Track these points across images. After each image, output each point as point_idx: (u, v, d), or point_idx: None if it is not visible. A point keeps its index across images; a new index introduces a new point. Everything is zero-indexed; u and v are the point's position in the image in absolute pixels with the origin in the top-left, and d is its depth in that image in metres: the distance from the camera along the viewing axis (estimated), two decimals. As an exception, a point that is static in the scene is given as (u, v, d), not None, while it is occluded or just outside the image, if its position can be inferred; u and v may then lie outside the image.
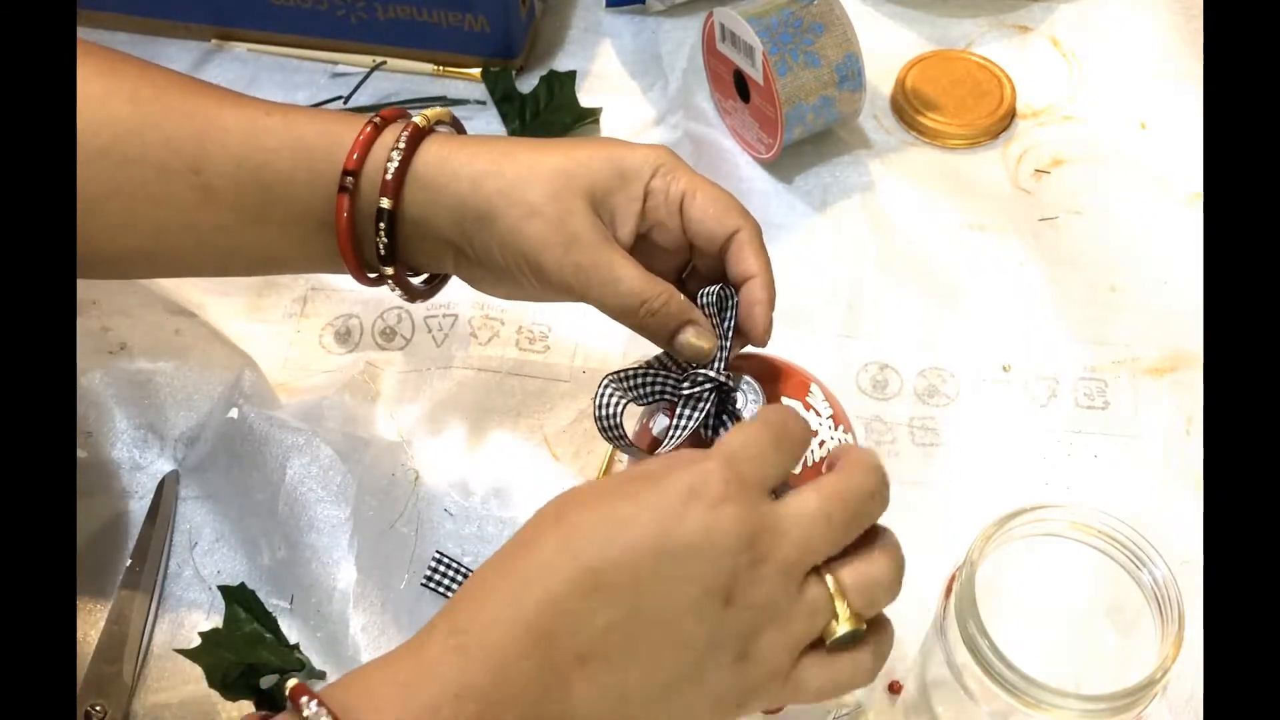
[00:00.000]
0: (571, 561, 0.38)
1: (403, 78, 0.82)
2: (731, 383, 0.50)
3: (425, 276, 0.56)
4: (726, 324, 0.50)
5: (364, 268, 0.52)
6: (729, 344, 0.49)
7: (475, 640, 0.38)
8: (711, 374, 0.49)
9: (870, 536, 0.42)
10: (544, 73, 0.80)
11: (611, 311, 0.49)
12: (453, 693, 0.38)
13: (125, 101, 0.50)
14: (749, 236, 0.49)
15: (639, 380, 0.49)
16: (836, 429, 0.52)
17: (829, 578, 0.40)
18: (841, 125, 0.77)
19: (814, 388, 0.53)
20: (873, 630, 0.42)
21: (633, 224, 0.50)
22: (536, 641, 0.38)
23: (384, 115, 0.51)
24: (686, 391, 0.49)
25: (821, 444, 0.50)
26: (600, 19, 0.86)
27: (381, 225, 0.50)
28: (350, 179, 0.49)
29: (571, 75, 0.79)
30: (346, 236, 0.50)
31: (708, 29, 0.77)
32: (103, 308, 0.68)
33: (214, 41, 0.84)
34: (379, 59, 0.82)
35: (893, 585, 0.41)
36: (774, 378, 0.52)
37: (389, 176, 0.49)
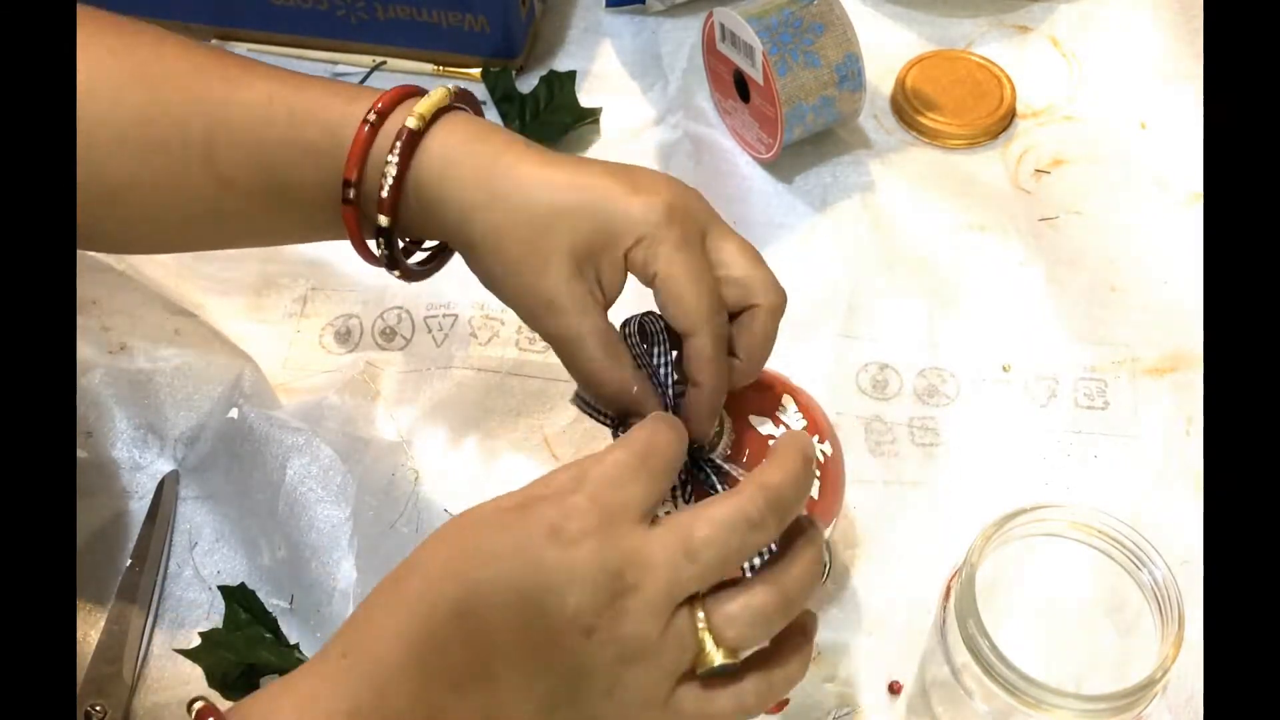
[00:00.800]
0: (451, 585, 0.39)
1: (403, 78, 0.82)
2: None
3: (427, 255, 0.54)
4: (662, 364, 0.47)
5: (374, 251, 0.52)
6: (669, 387, 0.47)
7: (363, 658, 0.39)
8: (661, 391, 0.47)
9: (779, 554, 0.41)
10: (544, 73, 0.80)
11: (571, 373, 0.48)
12: (344, 710, 0.39)
13: (137, 85, 0.49)
14: (702, 346, 0.45)
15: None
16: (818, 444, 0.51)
17: (699, 611, 0.40)
18: (841, 125, 0.77)
19: (787, 400, 0.52)
20: (767, 659, 0.41)
21: (618, 281, 0.47)
22: (417, 662, 0.39)
23: (381, 109, 0.48)
24: None
25: None
26: (600, 19, 0.86)
27: (381, 239, 0.49)
28: (351, 190, 0.49)
29: (571, 75, 0.79)
30: (359, 240, 0.51)
31: (708, 29, 0.77)
32: (103, 307, 0.68)
33: (214, 41, 0.84)
34: (379, 59, 0.82)
35: (771, 619, 0.40)
36: (742, 395, 0.49)
37: (384, 194, 0.48)
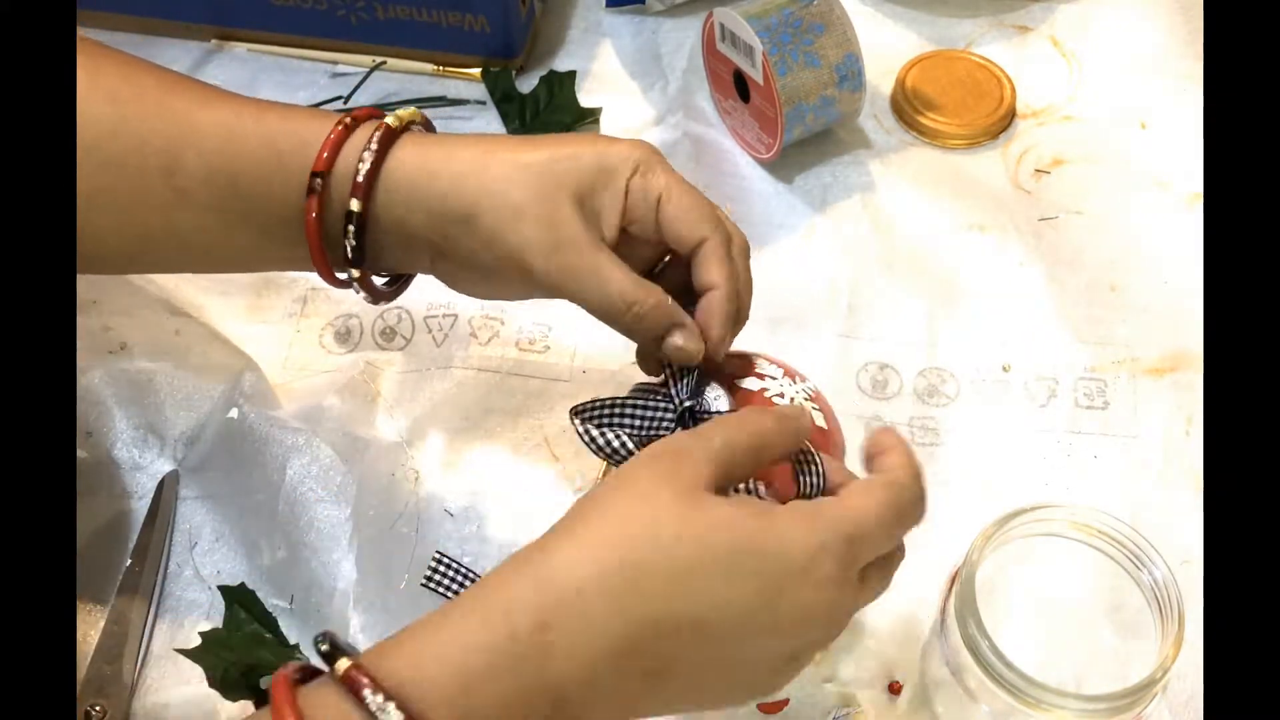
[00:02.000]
0: (681, 604, 0.39)
1: (403, 78, 0.82)
2: (697, 404, 0.49)
3: (389, 278, 0.55)
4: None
5: (333, 269, 0.51)
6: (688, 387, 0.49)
7: (564, 642, 0.38)
8: (674, 402, 0.49)
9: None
10: (544, 73, 0.80)
11: (598, 313, 0.49)
12: (540, 687, 0.38)
13: (105, 101, 0.49)
14: (715, 247, 0.49)
15: (609, 414, 0.49)
16: (795, 383, 0.52)
17: None
18: (841, 125, 0.77)
19: (758, 360, 0.53)
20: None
21: (616, 221, 0.49)
22: (615, 659, 0.39)
23: (355, 116, 0.50)
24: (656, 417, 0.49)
25: (784, 396, 0.51)
26: (600, 19, 0.86)
27: (350, 227, 0.49)
28: (319, 180, 0.48)
29: (571, 75, 0.79)
30: (316, 238, 0.49)
31: (708, 29, 0.77)
32: (103, 307, 0.68)
33: (214, 41, 0.84)
34: (379, 59, 0.82)
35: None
36: (720, 367, 0.51)
37: (359, 178, 0.48)
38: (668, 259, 0.52)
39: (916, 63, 0.81)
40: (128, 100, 0.50)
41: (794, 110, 0.72)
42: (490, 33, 0.80)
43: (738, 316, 0.50)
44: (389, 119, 0.49)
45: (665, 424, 0.49)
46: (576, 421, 0.48)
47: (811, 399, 0.52)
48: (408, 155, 0.49)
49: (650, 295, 0.48)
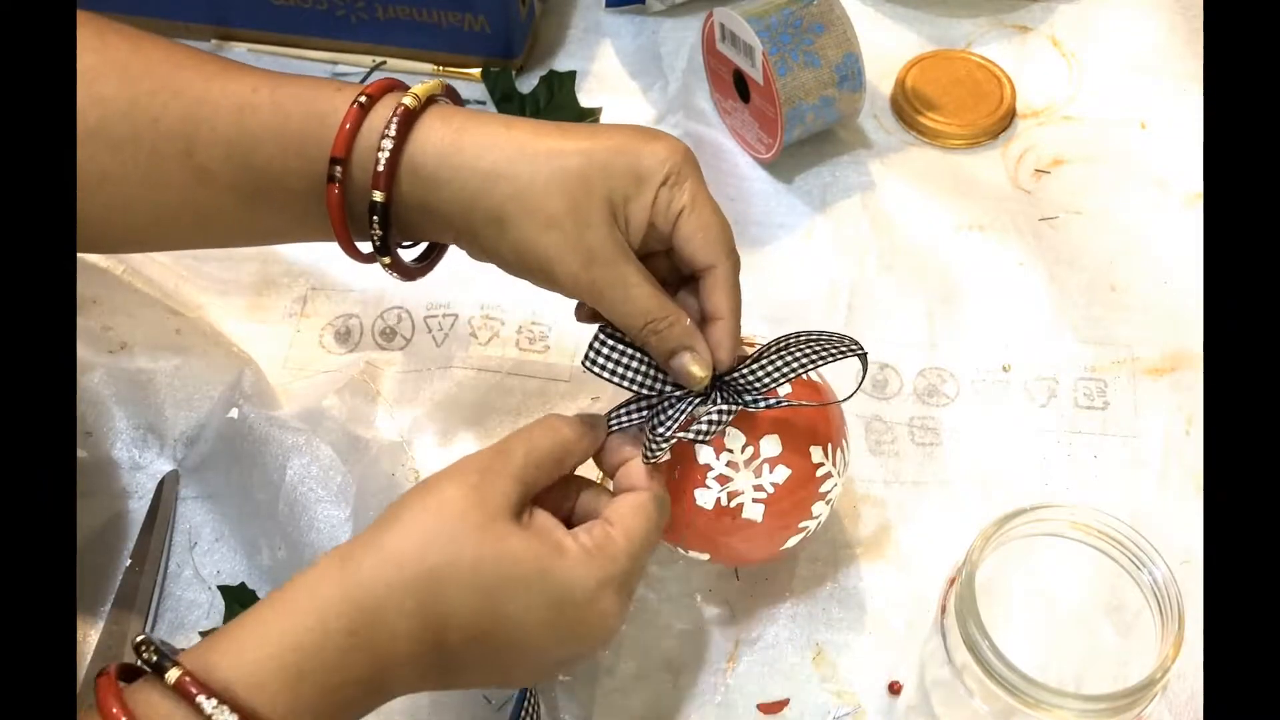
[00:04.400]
0: (486, 620, 0.43)
1: (403, 78, 0.82)
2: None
3: (421, 252, 0.54)
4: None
5: (359, 249, 0.51)
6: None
7: (374, 649, 0.42)
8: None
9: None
10: (544, 73, 0.80)
11: (618, 321, 0.49)
12: (351, 681, 0.42)
13: (114, 79, 0.49)
14: (724, 275, 0.49)
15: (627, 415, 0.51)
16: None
17: None
18: (841, 125, 0.77)
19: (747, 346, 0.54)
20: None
21: (643, 226, 0.48)
22: (422, 660, 0.43)
23: (370, 92, 0.48)
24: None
25: None
26: (600, 19, 0.86)
27: (375, 218, 0.48)
28: (338, 168, 0.47)
29: (571, 75, 0.79)
30: (340, 224, 0.49)
31: (708, 29, 0.77)
32: (103, 307, 0.68)
33: (214, 41, 0.84)
34: (379, 59, 0.82)
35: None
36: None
37: (380, 168, 0.47)
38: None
39: (916, 63, 0.81)
40: (138, 77, 0.49)
41: (794, 110, 0.72)
42: (490, 33, 0.80)
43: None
44: (407, 99, 0.47)
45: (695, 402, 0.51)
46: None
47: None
48: (432, 138, 0.47)
49: (670, 313, 0.48)
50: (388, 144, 0.47)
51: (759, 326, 0.68)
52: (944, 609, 0.50)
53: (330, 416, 0.63)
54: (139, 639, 0.41)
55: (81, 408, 0.64)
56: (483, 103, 0.80)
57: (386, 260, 0.50)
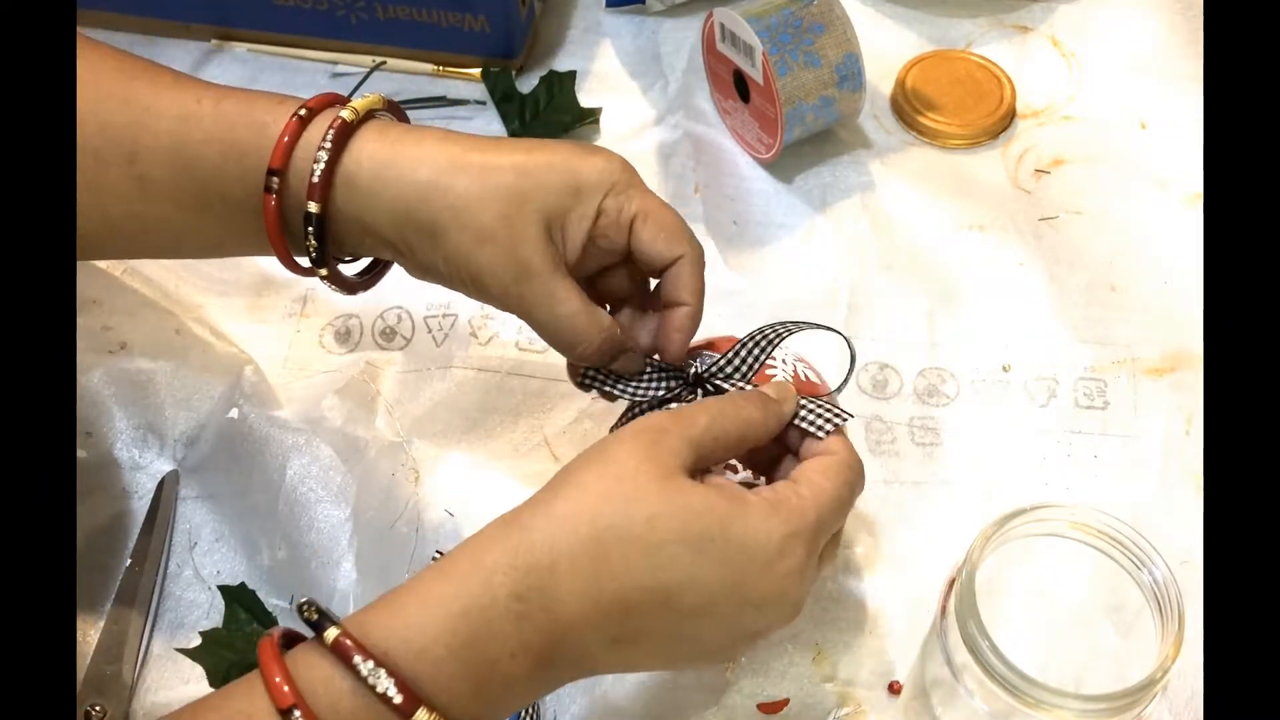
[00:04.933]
0: (656, 594, 0.41)
1: (403, 78, 0.82)
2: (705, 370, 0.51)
3: (363, 267, 0.54)
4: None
5: (297, 262, 0.51)
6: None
7: (544, 613, 0.40)
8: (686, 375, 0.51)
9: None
10: (544, 73, 0.80)
11: (545, 338, 0.49)
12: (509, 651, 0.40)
13: None
14: (690, 263, 0.49)
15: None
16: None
17: None
18: (841, 125, 0.77)
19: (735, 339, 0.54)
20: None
21: (581, 240, 0.49)
22: (592, 624, 0.41)
23: (311, 105, 0.49)
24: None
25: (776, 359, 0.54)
26: (600, 19, 0.86)
27: (310, 229, 0.48)
28: (275, 179, 0.47)
29: (571, 75, 0.79)
30: (277, 234, 0.49)
31: (708, 29, 0.77)
32: (103, 307, 0.68)
33: (214, 41, 0.84)
34: (379, 59, 0.82)
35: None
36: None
37: (315, 179, 0.47)
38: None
39: (916, 63, 0.81)
40: (87, 83, 0.49)
41: (794, 110, 0.72)
42: (490, 33, 0.80)
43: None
44: (345, 111, 0.48)
45: (675, 393, 0.51)
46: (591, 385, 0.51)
47: (800, 360, 0.55)
48: (368, 151, 0.48)
49: (598, 330, 0.48)
50: (323, 155, 0.47)
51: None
52: (944, 609, 0.50)
53: (330, 416, 0.63)
54: (302, 600, 0.40)
55: (81, 408, 0.64)
56: (483, 102, 0.80)
57: (324, 273, 0.50)
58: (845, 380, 0.52)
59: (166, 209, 0.50)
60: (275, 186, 0.48)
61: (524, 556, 0.40)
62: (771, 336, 0.50)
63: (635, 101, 0.81)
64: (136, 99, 0.49)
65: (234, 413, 0.63)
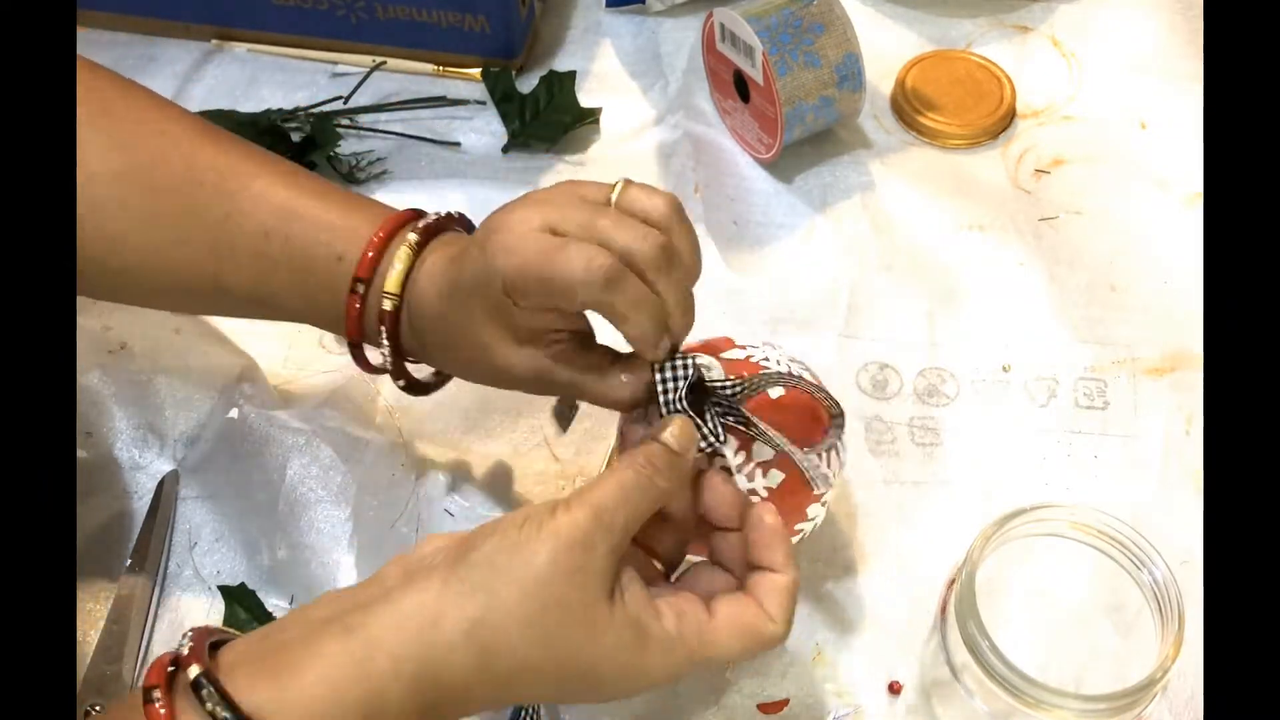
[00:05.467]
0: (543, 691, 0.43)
1: (403, 78, 0.82)
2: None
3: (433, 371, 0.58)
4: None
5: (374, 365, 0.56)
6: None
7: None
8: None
9: None
10: (544, 73, 0.80)
11: (592, 397, 0.51)
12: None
13: (142, 191, 0.52)
14: (590, 299, 0.45)
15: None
16: (775, 349, 0.55)
17: None
18: (841, 125, 0.77)
19: (730, 340, 0.55)
20: None
21: (533, 319, 0.48)
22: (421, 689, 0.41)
23: (362, 274, 0.51)
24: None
25: (770, 360, 0.53)
26: (600, 19, 0.86)
27: (386, 358, 0.54)
28: (356, 348, 0.54)
29: (571, 75, 0.79)
30: (360, 353, 0.55)
31: (708, 29, 0.77)
32: (103, 307, 0.68)
33: (214, 41, 0.84)
34: (379, 59, 0.82)
35: None
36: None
37: (385, 364, 0.54)
38: None
39: (916, 63, 0.81)
40: (164, 192, 0.53)
41: (794, 110, 0.72)
42: (490, 33, 0.80)
43: (677, 323, 0.47)
44: (385, 303, 0.51)
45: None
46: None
47: (794, 359, 0.54)
48: (415, 316, 0.52)
49: (628, 393, 0.49)
50: (385, 343, 0.52)
51: (760, 329, 0.68)
52: (944, 609, 0.50)
53: (330, 416, 0.63)
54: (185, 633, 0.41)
55: (81, 408, 0.64)
56: (483, 103, 0.80)
57: (402, 384, 0.56)
58: (827, 442, 0.52)
59: (245, 307, 0.56)
60: (358, 349, 0.55)
61: (410, 649, 0.40)
62: (765, 380, 0.50)
63: (635, 101, 0.81)
64: (211, 214, 0.53)
65: (234, 413, 0.63)
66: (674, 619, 0.43)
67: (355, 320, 0.52)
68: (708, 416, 0.48)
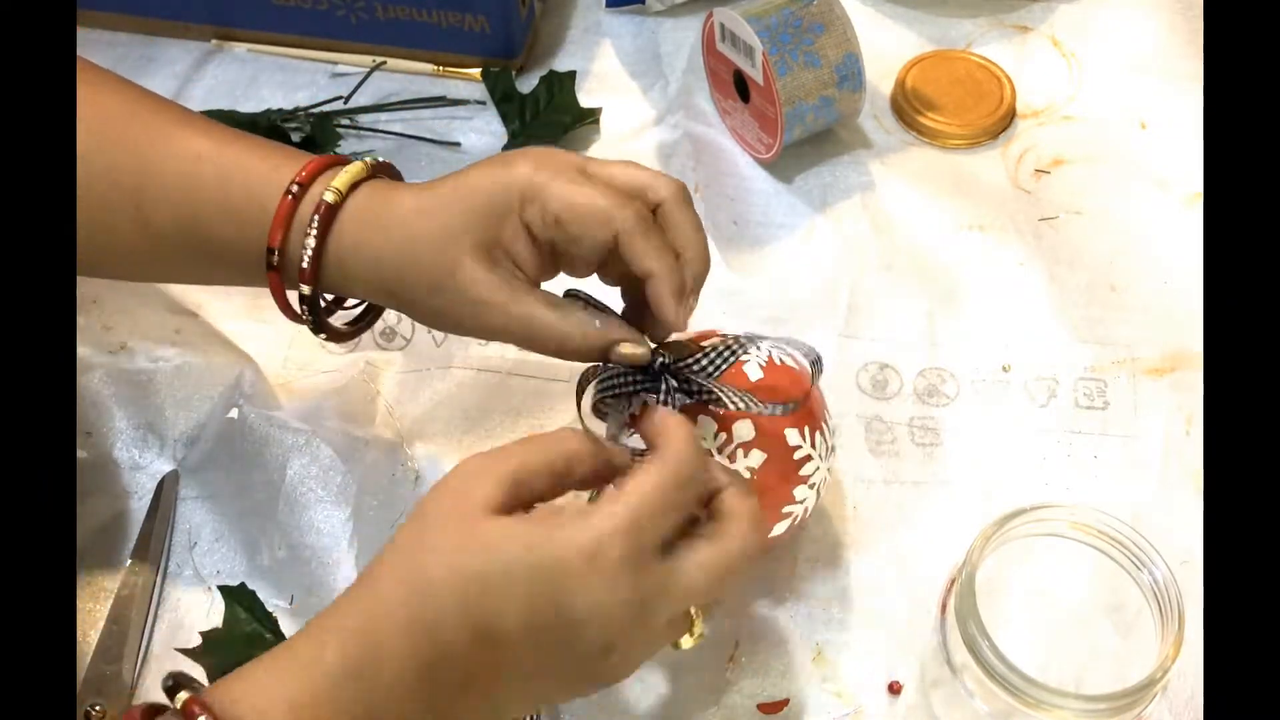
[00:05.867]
0: (475, 612, 0.40)
1: (403, 78, 0.82)
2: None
3: (354, 316, 0.57)
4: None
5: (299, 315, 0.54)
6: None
7: (374, 683, 0.40)
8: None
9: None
10: (544, 73, 0.80)
11: (544, 353, 0.49)
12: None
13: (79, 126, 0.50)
14: (630, 235, 0.47)
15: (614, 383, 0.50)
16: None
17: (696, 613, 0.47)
18: (841, 125, 0.77)
19: (719, 332, 0.54)
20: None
21: (529, 255, 0.49)
22: (428, 679, 0.40)
23: (302, 180, 0.50)
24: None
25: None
26: (600, 19, 0.86)
27: (305, 306, 0.51)
28: (276, 257, 0.50)
29: (571, 75, 0.79)
30: (284, 304, 0.52)
31: (708, 29, 0.77)
32: (103, 307, 0.68)
33: (214, 41, 0.84)
34: (379, 59, 0.82)
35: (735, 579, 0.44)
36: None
37: (305, 265, 0.50)
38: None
39: (916, 63, 0.81)
40: (92, 123, 0.51)
41: (794, 110, 0.72)
42: (490, 33, 0.80)
43: (690, 284, 0.49)
44: (328, 194, 0.50)
45: (645, 386, 0.50)
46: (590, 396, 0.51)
47: (779, 345, 0.54)
48: (348, 238, 0.50)
49: (575, 330, 0.48)
50: (310, 242, 0.49)
51: (760, 329, 0.68)
52: (944, 609, 0.50)
53: (330, 416, 0.63)
54: (166, 676, 0.41)
55: (81, 408, 0.64)
56: (483, 102, 0.80)
57: (322, 336, 0.54)
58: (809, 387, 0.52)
59: (176, 256, 0.53)
60: (275, 264, 0.51)
61: (347, 624, 0.41)
62: (744, 343, 0.50)
63: (635, 101, 0.81)
64: (141, 147, 0.52)
65: (234, 413, 0.63)
66: (579, 502, 0.43)
67: (282, 220, 0.50)
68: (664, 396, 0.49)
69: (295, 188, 0.50)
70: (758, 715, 0.56)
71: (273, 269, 0.51)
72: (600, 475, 0.45)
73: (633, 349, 0.48)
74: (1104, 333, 0.68)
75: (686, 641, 0.47)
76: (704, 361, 0.50)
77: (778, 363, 0.54)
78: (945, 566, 0.52)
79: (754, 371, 0.53)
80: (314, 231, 0.49)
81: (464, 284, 0.48)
